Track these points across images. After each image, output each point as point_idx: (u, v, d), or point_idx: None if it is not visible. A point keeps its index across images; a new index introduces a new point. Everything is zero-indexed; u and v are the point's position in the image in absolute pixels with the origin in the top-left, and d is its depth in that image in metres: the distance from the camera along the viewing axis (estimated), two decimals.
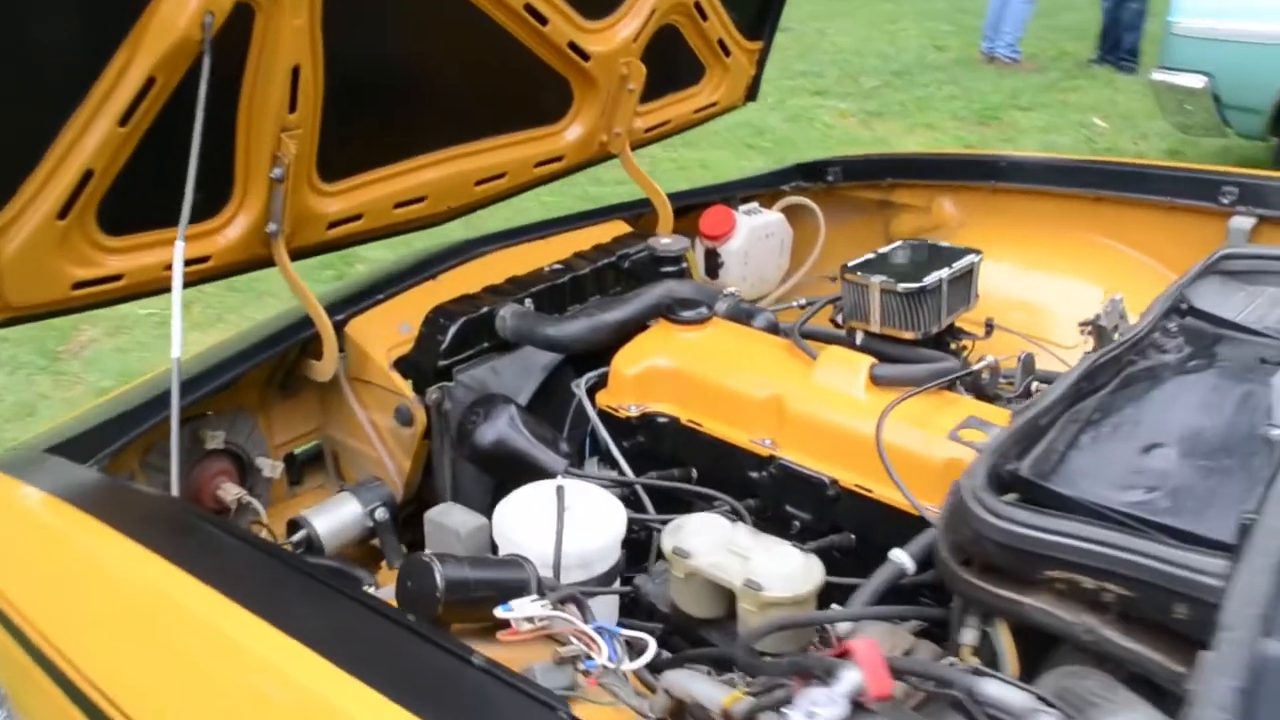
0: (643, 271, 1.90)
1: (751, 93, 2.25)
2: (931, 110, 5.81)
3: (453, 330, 1.67)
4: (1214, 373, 1.23)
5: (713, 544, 1.22)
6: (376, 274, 1.91)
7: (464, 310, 1.70)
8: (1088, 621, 0.96)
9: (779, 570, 1.17)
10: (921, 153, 2.26)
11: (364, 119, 1.64)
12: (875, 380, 1.48)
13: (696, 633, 1.27)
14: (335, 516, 1.60)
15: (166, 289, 1.45)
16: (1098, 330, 1.48)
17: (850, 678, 0.90)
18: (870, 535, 1.42)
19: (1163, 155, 4.92)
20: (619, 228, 2.05)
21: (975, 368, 1.50)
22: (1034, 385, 1.56)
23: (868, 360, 1.51)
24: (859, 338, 1.61)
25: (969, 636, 1.06)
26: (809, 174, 2.29)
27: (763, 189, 2.27)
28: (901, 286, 1.54)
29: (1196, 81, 4.15)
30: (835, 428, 1.46)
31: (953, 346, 1.64)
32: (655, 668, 1.14)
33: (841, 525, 1.46)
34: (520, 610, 1.11)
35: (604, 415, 1.62)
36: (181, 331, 1.41)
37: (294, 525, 1.60)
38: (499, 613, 1.11)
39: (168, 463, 1.39)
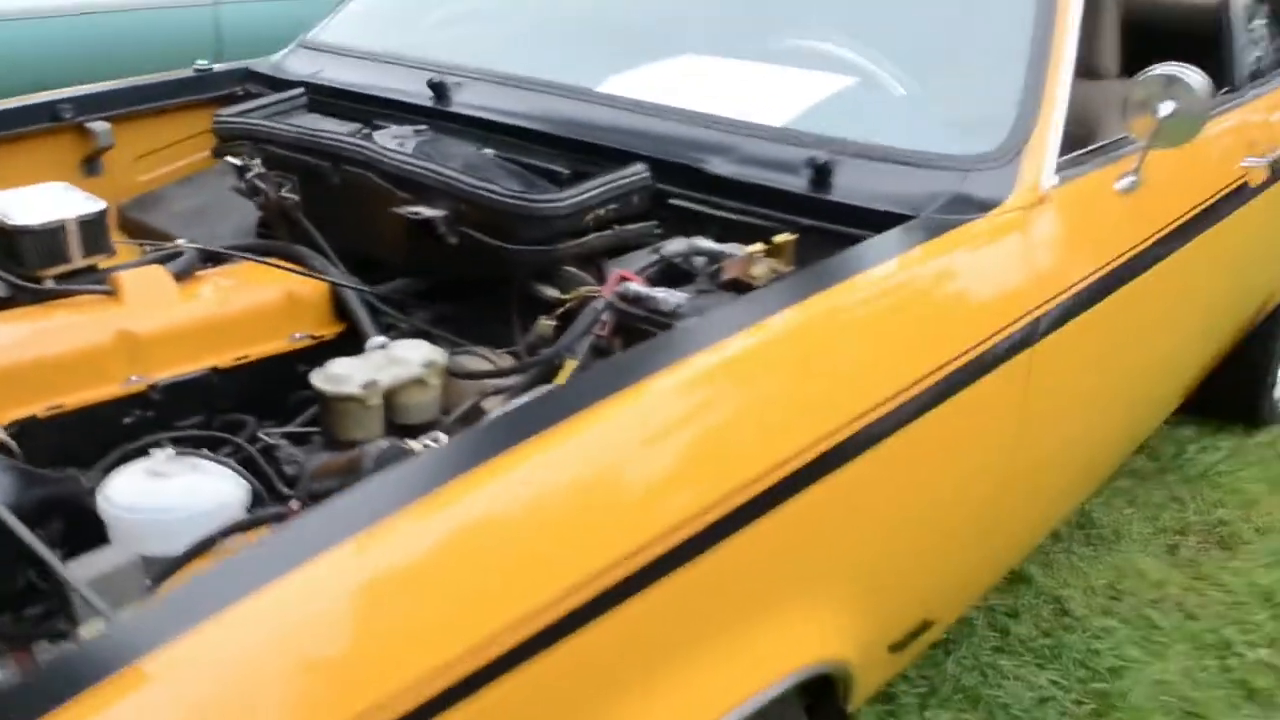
0: None
1: None
2: None
3: None
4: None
5: (366, 367, 1.52)
6: None
7: None
8: None
9: (419, 350, 1.57)
10: None
11: None
12: (179, 274, 1.72)
13: None
14: None
15: None
16: None
17: None
18: (258, 397, 1.74)
19: None
20: None
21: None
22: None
23: (152, 264, 1.72)
24: None
25: None
26: None
27: None
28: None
29: None
30: (191, 323, 1.68)
31: None
32: None
33: (224, 406, 1.72)
34: None
35: None
36: None
37: None
38: None
39: None
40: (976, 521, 1.79)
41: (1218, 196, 2.37)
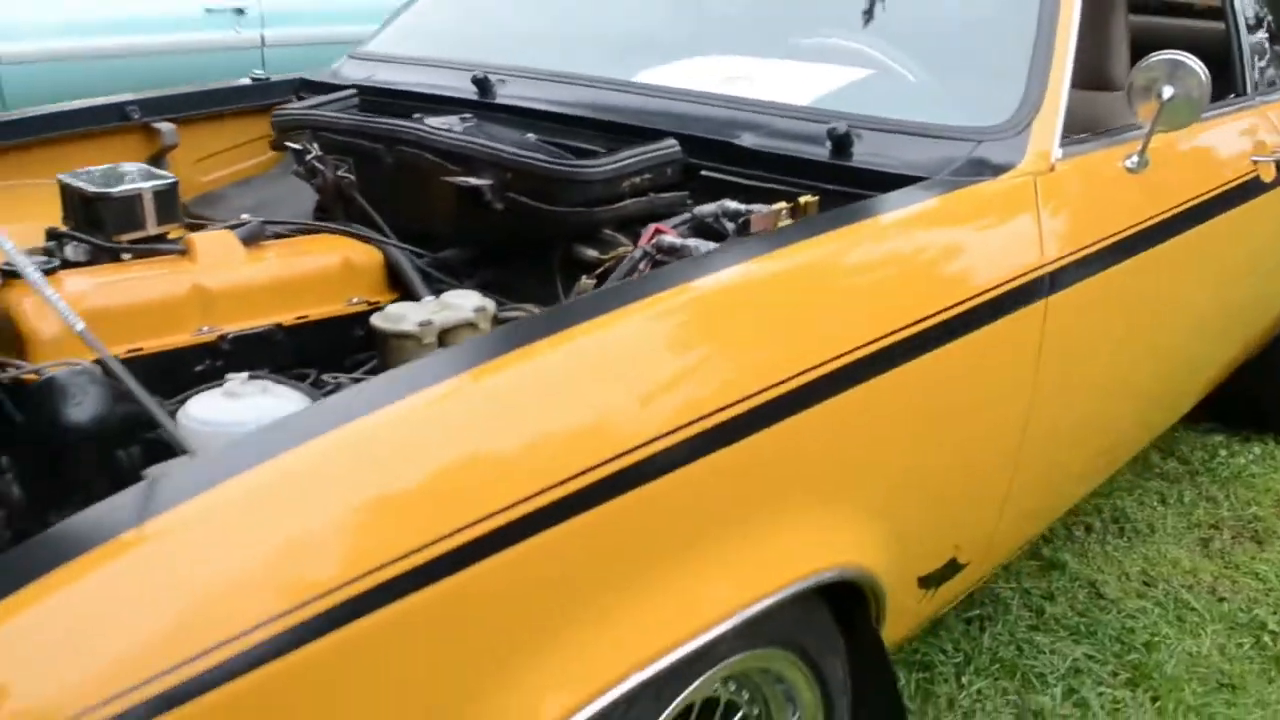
0: None
1: None
2: None
3: None
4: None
5: (422, 311, 1.67)
6: None
7: None
8: None
9: (470, 298, 1.73)
10: None
11: None
12: (246, 240, 1.89)
13: None
14: None
15: None
16: None
17: None
18: (317, 355, 1.89)
19: None
20: None
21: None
22: None
23: (222, 229, 1.88)
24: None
25: None
26: None
27: None
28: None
29: None
30: (257, 283, 1.84)
31: None
32: None
33: (287, 361, 1.87)
34: None
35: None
36: None
37: None
38: None
39: None
40: (996, 466, 1.89)
41: (1227, 185, 2.50)
